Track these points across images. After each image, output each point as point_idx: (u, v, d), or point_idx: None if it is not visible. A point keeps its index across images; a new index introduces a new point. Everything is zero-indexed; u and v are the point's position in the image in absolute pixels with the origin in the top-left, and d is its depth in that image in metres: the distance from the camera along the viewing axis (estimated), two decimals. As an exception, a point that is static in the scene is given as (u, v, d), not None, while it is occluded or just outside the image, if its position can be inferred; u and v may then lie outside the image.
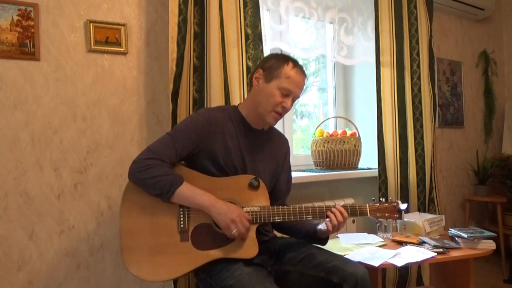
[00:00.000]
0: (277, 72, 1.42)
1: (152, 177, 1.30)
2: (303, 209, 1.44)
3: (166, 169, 1.33)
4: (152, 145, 1.38)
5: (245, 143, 1.49)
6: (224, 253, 1.36)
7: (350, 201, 2.34)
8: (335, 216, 1.41)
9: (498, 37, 3.71)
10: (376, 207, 1.51)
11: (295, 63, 1.46)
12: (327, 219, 1.42)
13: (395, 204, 1.52)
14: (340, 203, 2.14)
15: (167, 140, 1.39)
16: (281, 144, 1.63)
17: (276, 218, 1.41)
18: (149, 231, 1.34)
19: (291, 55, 2.30)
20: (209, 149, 1.42)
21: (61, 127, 1.65)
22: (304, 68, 1.49)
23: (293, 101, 1.47)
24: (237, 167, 1.45)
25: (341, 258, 1.41)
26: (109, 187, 1.74)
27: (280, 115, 1.46)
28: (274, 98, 1.42)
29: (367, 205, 1.50)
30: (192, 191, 1.34)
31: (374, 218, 1.51)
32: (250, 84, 1.52)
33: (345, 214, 1.44)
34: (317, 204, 1.52)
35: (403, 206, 1.53)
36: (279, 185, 1.61)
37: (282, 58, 1.47)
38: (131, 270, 1.30)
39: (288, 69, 1.42)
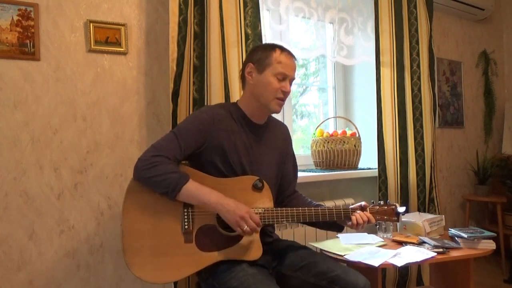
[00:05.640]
0: (267, 61, 1.44)
1: (157, 175, 1.30)
2: (306, 211, 1.44)
3: (172, 166, 1.32)
4: (156, 143, 1.38)
5: (248, 138, 1.49)
6: (228, 255, 1.35)
7: (350, 201, 2.33)
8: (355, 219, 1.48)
9: (498, 37, 3.71)
10: (376, 210, 1.54)
11: (281, 48, 1.48)
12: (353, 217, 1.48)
13: (393, 207, 1.56)
14: (340, 203, 2.16)
15: (172, 137, 1.38)
16: (282, 132, 1.65)
17: (280, 219, 1.41)
18: (152, 232, 1.33)
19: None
20: (215, 146, 1.42)
21: (61, 127, 1.65)
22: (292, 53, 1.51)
23: (290, 83, 1.48)
24: (243, 164, 1.45)
25: (343, 268, 1.40)
26: (109, 187, 1.74)
27: (283, 100, 1.47)
28: (272, 85, 1.43)
29: (368, 208, 1.53)
30: (198, 189, 1.33)
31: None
32: (243, 80, 1.53)
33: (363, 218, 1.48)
34: (321, 206, 1.54)
35: (401, 209, 1.56)
36: (286, 172, 1.63)
37: (268, 47, 1.48)
38: (133, 271, 1.29)
39: (277, 55, 1.44)
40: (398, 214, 1.54)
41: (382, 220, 1.53)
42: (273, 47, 1.48)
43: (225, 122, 1.45)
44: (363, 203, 1.54)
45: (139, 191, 1.35)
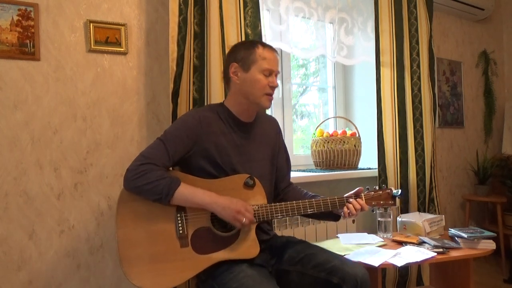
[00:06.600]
0: (251, 58, 1.44)
1: (148, 183, 1.29)
2: (301, 204, 1.45)
3: (161, 172, 1.32)
4: (144, 152, 1.37)
5: (237, 138, 1.49)
6: (226, 255, 1.35)
7: (350, 201, 2.33)
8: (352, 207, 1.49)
9: (498, 37, 3.71)
10: (371, 196, 1.55)
11: (262, 43, 1.49)
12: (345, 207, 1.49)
13: (389, 191, 1.58)
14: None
15: (159, 144, 1.38)
16: (271, 126, 1.64)
17: (275, 215, 1.42)
18: (147, 240, 1.32)
19: (292, 55, 2.30)
20: (203, 150, 1.42)
21: (61, 127, 1.65)
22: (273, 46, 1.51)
23: (276, 77, 1.48)
24: (235, 164, 1.45)
25: (340, 258, 1.42)
26: (109, 187, 1.74)
27: (271, 95, 1.48)
28: (260, 82, 1.43)
29: (362, 194, 1.53)
30: (191, 191, 1.33)
31: (370, 206, 1.54)
32: (226, 81, 1.52)
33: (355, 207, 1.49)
34: (317, 196, 1.54)
35: (397, 192, 1.58)
36: (279, 166, 1.63)
37: (249, 44, 1.48)
38: (132, 281, 1.28)
39: (260, 51, 1.45)
40: (394, 197, 1.56)
41: (379, 206, 1.54)
42: (254, 43, 1.48)
43: (213, 124, 1.45)
44: (358, 188, 1.54)
45: (130, 200, 1.34)
